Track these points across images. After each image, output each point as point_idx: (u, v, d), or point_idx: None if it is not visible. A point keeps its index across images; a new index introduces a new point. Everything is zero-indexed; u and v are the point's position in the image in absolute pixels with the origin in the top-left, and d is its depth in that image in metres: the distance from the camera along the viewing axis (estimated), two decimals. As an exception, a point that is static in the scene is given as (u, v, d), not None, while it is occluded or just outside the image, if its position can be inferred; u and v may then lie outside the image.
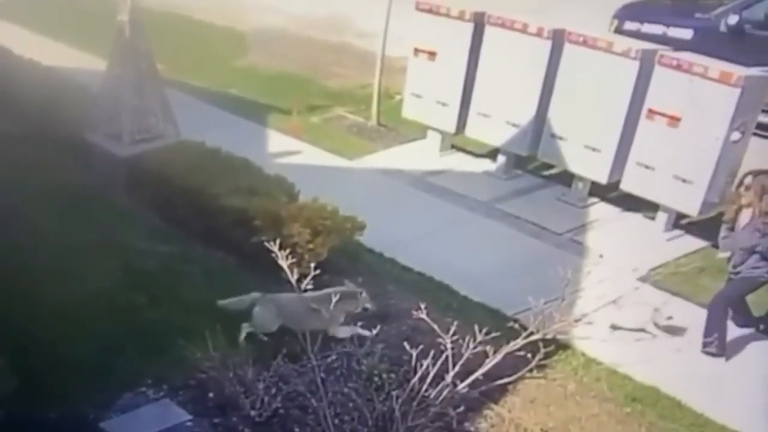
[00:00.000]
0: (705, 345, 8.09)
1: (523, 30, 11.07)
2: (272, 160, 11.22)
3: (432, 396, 6.15)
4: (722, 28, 13.96)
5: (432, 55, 12.16)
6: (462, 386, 6.33)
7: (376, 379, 6.82)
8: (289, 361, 6.89)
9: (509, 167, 11.91)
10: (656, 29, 14.19)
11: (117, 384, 6.83)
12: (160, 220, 9.49)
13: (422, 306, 6.15)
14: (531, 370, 6.84)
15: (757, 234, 7.85)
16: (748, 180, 8.14)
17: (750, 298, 8.40)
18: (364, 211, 9.00)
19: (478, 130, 12.00)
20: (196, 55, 16.36)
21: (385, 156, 12.55)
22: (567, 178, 11.35)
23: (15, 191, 9.21)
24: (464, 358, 6.05)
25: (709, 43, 13.32)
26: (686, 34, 13.98)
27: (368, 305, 7.83)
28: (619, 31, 14.52)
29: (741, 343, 8.28)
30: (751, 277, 8.04)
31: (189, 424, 6.56)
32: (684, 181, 9.83)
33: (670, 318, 8.33)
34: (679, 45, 11.67)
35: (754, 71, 9.79)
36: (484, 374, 6.37)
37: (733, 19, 13.82)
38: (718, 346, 8.05)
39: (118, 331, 7.38)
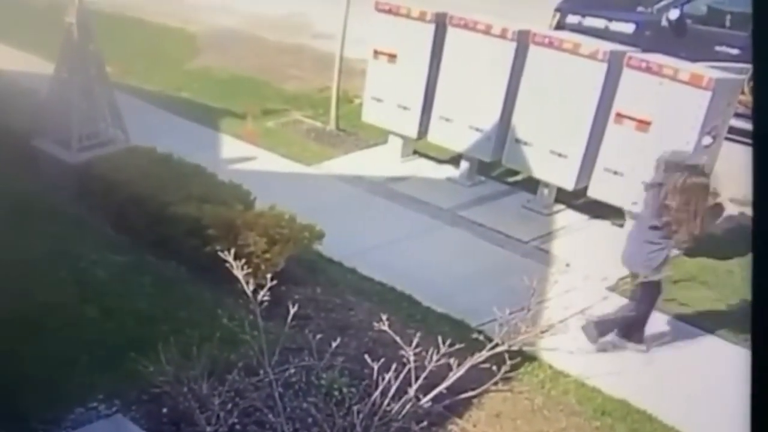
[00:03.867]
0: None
1: (487, 31, 10.87)
2: (226, 167, 10.94)
3: (394, 410, 5.97)
4: (664, 22, 13.98)
5: (392, 57, 11.92)
6: (425, 400, 6.16)
7: (336, 393, 6.64)
8: (246, 375, 6.62)
9: (473, 173, 11.71)
10: (598, 23, 14.22)
11: (68, 399, 6.62)
12: (111, 228, 9.23)
13: (384, 317, 6.01)
14: (496, 383, 6.64)
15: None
16: None
17: None
18: (323, 219, 8.78)
19: (440, 135, 11.78)
20: (146, 58, 16.04)
21: (345, 162, 12.31)
22: (532, 185, 11.17)
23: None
24: (427, 371, 5.88)
25: (651, 37, 13.45)
26: (628, 28, 14.02)
27: None
28: (561, 25, 14.50)
29: (713, 356, 8.14)
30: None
31: (142, 440, 6.38)
32: (654, 187, 9.68)
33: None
34: (620, 39, 11.67)
35: (717, 73, 9.72)
36: (448, 388, 6.20)
37: (674, 14, 13.86)
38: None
39: (68, 344, 7.15)
